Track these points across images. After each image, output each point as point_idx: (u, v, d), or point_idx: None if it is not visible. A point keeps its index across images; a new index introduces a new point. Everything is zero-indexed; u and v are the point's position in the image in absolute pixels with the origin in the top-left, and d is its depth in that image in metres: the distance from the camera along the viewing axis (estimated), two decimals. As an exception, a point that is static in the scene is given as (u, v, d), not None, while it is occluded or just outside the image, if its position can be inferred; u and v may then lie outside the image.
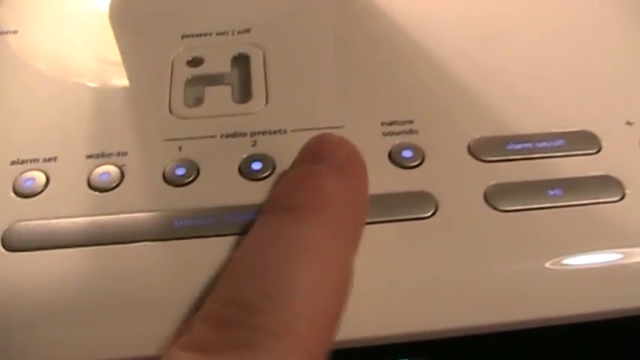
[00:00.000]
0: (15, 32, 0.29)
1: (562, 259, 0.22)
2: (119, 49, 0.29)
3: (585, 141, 0.25)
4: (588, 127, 0.25)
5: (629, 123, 0.26)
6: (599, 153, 0.25)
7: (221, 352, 0.16)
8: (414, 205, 0.23)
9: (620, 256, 0.22)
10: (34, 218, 0.23)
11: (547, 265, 0.22)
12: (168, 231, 0.22)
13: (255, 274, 0.18)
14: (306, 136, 0.24)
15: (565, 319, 0.22)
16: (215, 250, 0.22)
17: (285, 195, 0.21)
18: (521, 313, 0.22)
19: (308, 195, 0.20)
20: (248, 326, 0.17)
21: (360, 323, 0.20)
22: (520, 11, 0.29)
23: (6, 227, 0.22)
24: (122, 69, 0.27)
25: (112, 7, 0.30)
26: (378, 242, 0.22)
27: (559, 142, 0.25)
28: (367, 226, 0.22)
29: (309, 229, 0.19)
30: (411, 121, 0.25)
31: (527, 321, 0.22)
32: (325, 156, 0.21)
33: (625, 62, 0.27)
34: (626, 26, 0.29)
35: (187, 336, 0.17)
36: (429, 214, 0.23)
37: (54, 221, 0.23)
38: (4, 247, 0.22)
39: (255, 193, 0.23)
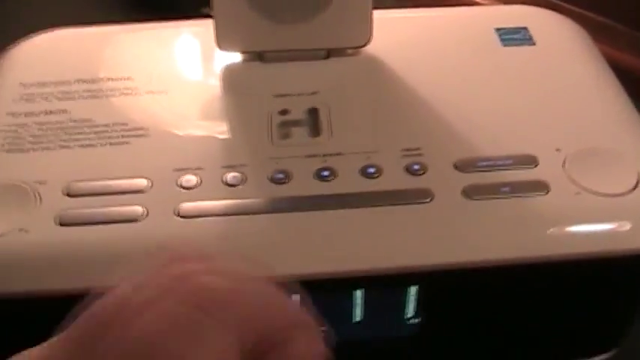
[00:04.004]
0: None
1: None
2: (232, 103, 0.45)
3: (527, 160, 0.40)
4: (530, 152, 0.40)
5: (557, 150, 0.41)
6: (536, 167, 0.40)
7: None
8: (418, 196, 0.38)
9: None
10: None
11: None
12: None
13: None
14: (357, 158, 0.40)
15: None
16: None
17: None
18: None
19: None
20: None
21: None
22: (484, 72, 0.45)
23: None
24: (241, 115, 0.43)
25: (222, 78, 0.47)
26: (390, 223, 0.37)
27: (510, 161, 0.40)
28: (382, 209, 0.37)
29: None
30: (418, 148, 0.40)
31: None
32: None
33: (559, 106, 0.43)
34: (557, 80, 0.45)
35: None
36: (428, 200, 0.38)
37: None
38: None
39: (320, 190, 0.38)
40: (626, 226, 0.38)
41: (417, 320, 0.40)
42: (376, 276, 0.37)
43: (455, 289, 0.39)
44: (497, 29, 0.49)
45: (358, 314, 0.39)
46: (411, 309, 0.39)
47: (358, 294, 0.39)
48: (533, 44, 0.48)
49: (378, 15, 0.46)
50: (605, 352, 0.44)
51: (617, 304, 0.42)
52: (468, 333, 0.41)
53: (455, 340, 0.42)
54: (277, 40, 0.46)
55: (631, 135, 0.42)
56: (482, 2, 0.79)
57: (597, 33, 0.75)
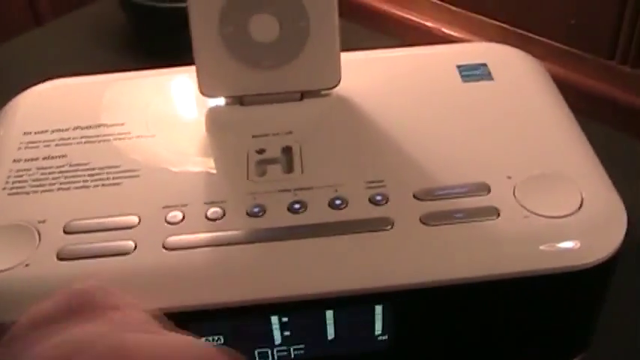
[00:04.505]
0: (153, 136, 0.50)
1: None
2: (214, 144, 0.49)
3: (481, 188, 0.44)
4: (484, 180, 0.44)
5: (509, 177, 0.45)
6: (489, 194, 0.44)
7: None
8: (379, 224, 0.42)
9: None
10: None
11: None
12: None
13: None
14: (325, 192, 0.44)
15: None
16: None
17: None
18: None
19: None
20: None
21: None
22: (444, 107, 0.50)
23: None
24: (222, 155, 0.48)
25: (205, 121, 0.51)
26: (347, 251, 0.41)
27: (465, 189, 0.44)
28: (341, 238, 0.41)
29: None
30: (382, 180, 0.45)
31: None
32: None
33: (512, 137, 0.47)
34: (512, 113, 0.49)
35: None
36: (388, 227, 0.42)
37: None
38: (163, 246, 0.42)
39: (293, 222, 0.43)
40: (571, 244, 0.42)
41: (385, 337, 0.44)
42: (345, 297, 0.41)
43: (416, 306, 0.43)
44: (459, 66, 0.54)
45: (331, 333, 0.43)
46: (379, 326, 0.43)
47: (329, 314, 0.43)
48: (492, 79, 0.53)
49: (347, 57, 0.51)
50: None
51: (571, 315, 0.46)
52: (432, 346, 0.45)
53: (421, 353, 0.46)
54: (255, 84, 0.51)
55: (576, 160, 0.46)
56: (465, 39, 0.84)
57: (570, 63, 0.79)
